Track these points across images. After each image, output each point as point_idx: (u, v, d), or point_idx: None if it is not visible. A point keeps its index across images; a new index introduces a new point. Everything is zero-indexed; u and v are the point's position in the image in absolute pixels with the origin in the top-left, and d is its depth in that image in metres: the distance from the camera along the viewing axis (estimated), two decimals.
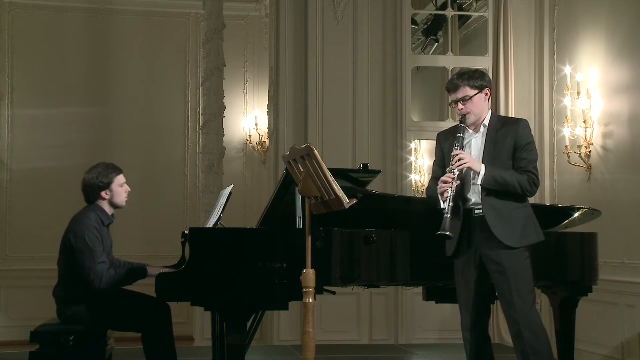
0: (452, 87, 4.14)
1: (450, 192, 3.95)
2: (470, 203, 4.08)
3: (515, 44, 7.74)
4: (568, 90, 6.94)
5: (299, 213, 4.22)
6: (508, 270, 3.98)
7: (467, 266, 4.10)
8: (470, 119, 4.11)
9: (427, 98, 9.97)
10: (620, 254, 6.26)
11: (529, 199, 4.15)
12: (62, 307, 4.48)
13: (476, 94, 4.09)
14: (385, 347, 7.56)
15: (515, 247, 3.98)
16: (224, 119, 8.08)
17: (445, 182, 3.99)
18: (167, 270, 4.49)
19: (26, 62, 9.38)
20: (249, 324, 4.18)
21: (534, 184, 4.03)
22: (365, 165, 4.59)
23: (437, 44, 9.72)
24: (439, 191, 4.04)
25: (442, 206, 4.00)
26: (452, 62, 8.38)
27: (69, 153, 9.13)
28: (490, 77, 7.80)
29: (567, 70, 7.05)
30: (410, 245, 4.34)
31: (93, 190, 4.57)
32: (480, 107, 4.11)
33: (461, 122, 4.10)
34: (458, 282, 4.17)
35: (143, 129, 9.49)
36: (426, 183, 10.66)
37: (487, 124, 4.14)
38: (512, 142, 4.05)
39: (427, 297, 5.07)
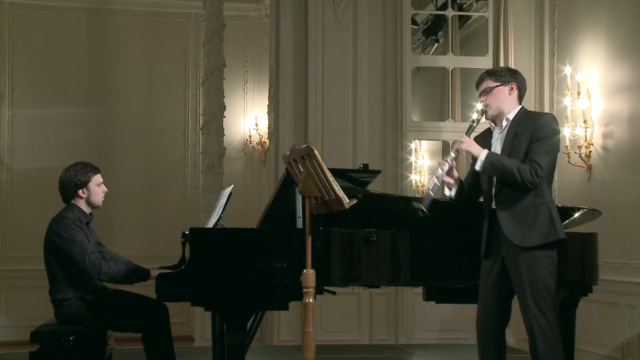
0: (477, 82, 4.13)
1: (440, 172, 3.97)
2: (494, 203, 3.99)
3: (515, 44, 7.73)
4: (568, 90, 6.94)
5: (299, 213, 4.21)
6: (523, 271, 3.87)
7: (492, 267, 4.03)
8: (489, 113, 4.05)
9: (427, 98, 9.97)
10: (620, 254, 6.26)
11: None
12: (60, 309, 4.47)
13: (497, 86, 4.04)
14: (385, 347, 7.56)
15: (528, 246, 3.87)
16: (224, 119, 8.08)
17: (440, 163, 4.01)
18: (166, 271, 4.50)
19: (26, 62, 9.36)
20: (249, 324, 4.18)
21: (536, 174, 3.84)
22: (365, 165, 4.58)
23: (437, 44, 9.72)
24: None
25: (448, 194, 4.08)
26: (452, 62, 8.39)
27: (69, 153, 9.02)
28: None
29: (567, 70, 7.04)
30: (410, 245, 4.33)
31: (70, 188, 4.57)
32: (500, 101, 4.04)
33: (482, 116, 4.05)
34: (480, 282, 4.10)
35: (143, 129, 9.47)
36: (426, 183, 10.76)
37: (510, 118, 4.04)
38: (529, 136, 3.93)
39: (427, 297, 5.07)
